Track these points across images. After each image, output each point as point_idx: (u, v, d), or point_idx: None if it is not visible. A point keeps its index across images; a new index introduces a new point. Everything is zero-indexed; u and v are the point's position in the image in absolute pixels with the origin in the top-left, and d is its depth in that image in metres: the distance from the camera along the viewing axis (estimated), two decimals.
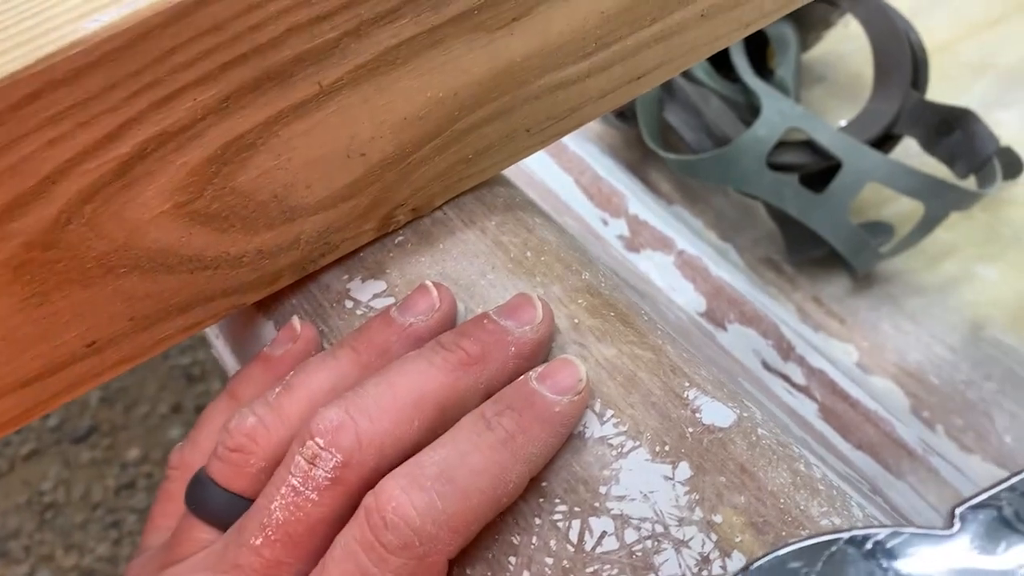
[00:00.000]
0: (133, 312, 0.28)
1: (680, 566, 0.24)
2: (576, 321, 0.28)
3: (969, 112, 0.58)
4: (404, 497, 0.23)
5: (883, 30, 0.61)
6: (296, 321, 0.30)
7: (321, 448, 0.24)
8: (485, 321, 0.27)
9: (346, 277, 0.31)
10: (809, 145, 0.57)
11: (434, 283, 0.29)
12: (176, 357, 1.39)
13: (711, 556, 0.24)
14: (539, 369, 0.26)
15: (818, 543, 0.18)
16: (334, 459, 0.24)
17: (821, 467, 0.26)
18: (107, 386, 1.39)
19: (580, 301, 0.29)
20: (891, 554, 0.18)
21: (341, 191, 0.29)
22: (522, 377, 0.26)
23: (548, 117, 0.31)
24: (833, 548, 0.18)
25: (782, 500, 0.24)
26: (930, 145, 0.60)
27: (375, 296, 0.30)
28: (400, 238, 0.31)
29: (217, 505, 0.26)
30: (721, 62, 0.63)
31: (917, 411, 0.53)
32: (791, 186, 0.56)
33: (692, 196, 0.65)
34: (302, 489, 0.24)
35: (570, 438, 0.26)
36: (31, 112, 0.23)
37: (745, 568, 0.19)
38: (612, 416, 0.26)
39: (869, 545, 0.18)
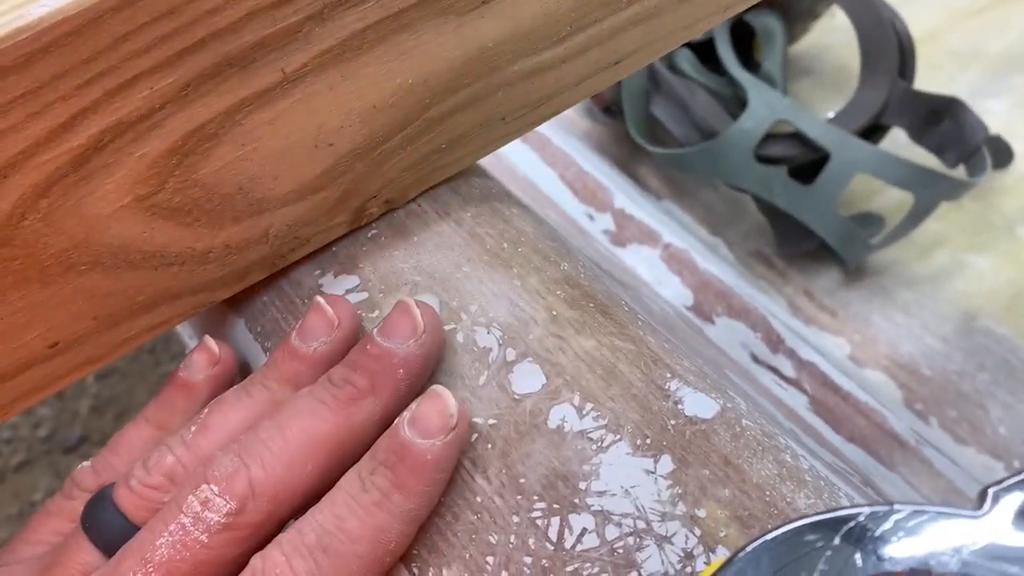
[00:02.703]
0: (96, 311, 0.27)
1: (663, 563, 0.23)
2: (554, 313, 0.28)
3: (957, 101, 0.57)
4: (286, 566, 0.23)
5: (869, 20, 0.60)
6: (212, 343, 0.30)
7: (215, 494, 0.24)
8: (369, 346, 0.26)
9: (318, 272, 0.30)
10: (797, 137, 0.56)
11: (329, 298, 0.28)
12: (167, 364, 1.38)
13: (695, 552, 0.23)
14: (410, 411, 0.25)
15: (837, 517, 0.18)
16: (227, 506, 0.24)
17: (808, 458, 0.25)
18: (97, 395, 1.38)
19: (558, 292, 0.28)
20: (913, 531, 0.17)
21: (310, 183, 0.28)
22: (395, 423, 0.25)
23: (523, 104, 0.30)
24: (852, 523, 0.17)
25: (767, 492, 0.24)
26: (919, 135, 0.59)
27: (348, 291, 0.29)
28: (373, 231, 0.30)
29: (115, 533, 0.25)
30: (707, 55, 0.62)
31: (910, 403, 0.52)
32: (780, 178, 0.55)
33: (681, 191, 0.65)
34: (192, 529, 0.24)
35: (549, 433, 0.25)
36: None
37: (759, 538, 0.18)
38: (592, 409, 0.25)
39: (889, 523, 0.17)
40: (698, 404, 0.25)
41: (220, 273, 0.29)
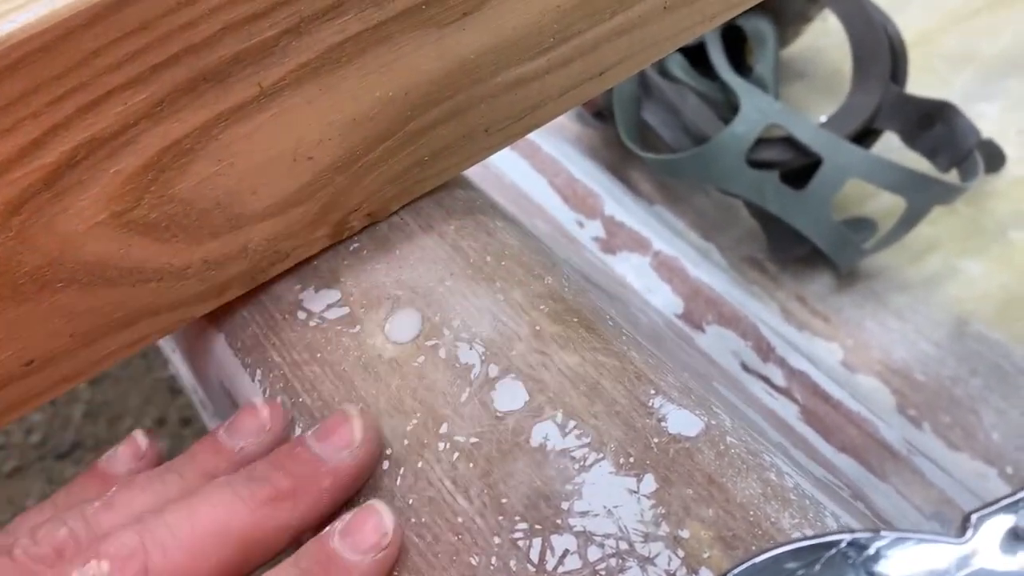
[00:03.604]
0: (73, 328, 0.27)
1: None
2: (538, 328, 0.27)
3: (949, 105, 0.57)
4: None
5: (861, 24, 0.60)
6: (141, 437, 0.29)
7: (106, 572, 0.22)
8: (299, 449, 0.25)
9: (299, 287, 0.30)
10: (789, 141, 0.56)
11: (266, 402, 0.27)
12: (160, 370, 1.37)
13: (678, 573, 0.22)
14: (342, 521, 0.24)
15: (818, 544, 0.17)
16: None
17: (794, 476, 0.25)
18: (90, 400, 1.37)
19: (542, 307, 0.28)
20: (896, 560, 0.17)
21: (289, 197, 0.28)
22: (325, 531, 0.24)
23: (507, 116, 0.30)
24: (833, 550, 0.17)
25: (751, 512, 0.23)
26: (911, 139, 0.59)
27: (329, 306, 0.29)
28: (355, 245, 0.30)
29: None
30: (699, 59, 0.62)
31: (903, 409, 0.52)
32: (772, 183, 0.55)
33: (673, 196, 0.64)
34: None
35: (531, 451, 0.25)
36: None
37: (740, 564, 0.18)
38: (574, 427, 0.25)
39: (872, 550, 0.17)
40: (682, 421, 0.25)
41: (199, 288, 0.28)
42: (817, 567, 0.17)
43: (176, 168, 0.25)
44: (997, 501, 0.17)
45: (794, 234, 0.57)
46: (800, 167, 0.56)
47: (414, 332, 0.28)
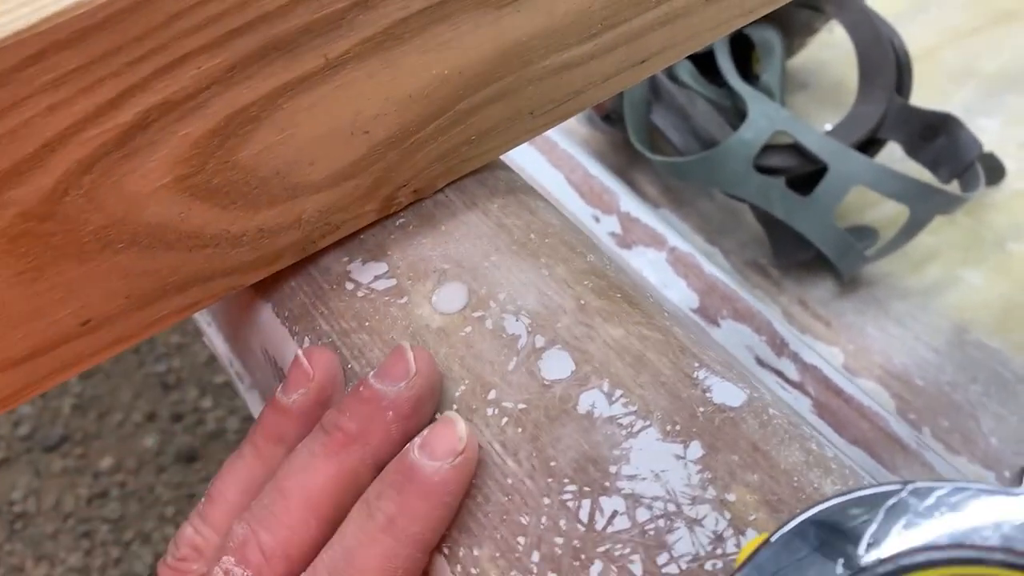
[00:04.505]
0: (129, 290, 0.27)
1: (694, 544, 0.23)
2: (583, 302, 0.28)
3: (952, 117, 0.58)
4: None
5: (867, 35, 0.61)
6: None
7: (233, 565, 0.25)
8: (361, 389, 0.26)
9: (346, 259, 0.30)
10: (795, 148, 0.57)
11: (307, 350, 0.28)
12: (151, 365, 1.37)
13: (725, 534, 0.23)
14: (420, 437, 0.25)
15: (880, 492, 0.18)
16: (245, 574, 0.25)
17: (832, 448, 0.26)
18: (80, 393, 1.36)
19: (586, 282, 0.29)
20: (955, 507, 0.18)
21: (344, 170, 0.29)
22: (405, 448, 0.25)
23: (551, 99, 0.31)
24: (895, 499, 0.18)
25: (795, 478, 0.24)
26: (914, 150, 0.60)
27: (376, 278, 0.30)
28: (401, 220, 0.31)
29: None
30: (707, 66, 0.63)
31: (903, 413, 0.53)
32: (778, 189, 0.56)
33: (678, 200, 0.65)
34: None
35: (578, 418, 0.26)
36: (33, 75, 0.22)
37: (809, 508, 0.18)
38: (621, 396, 0.26)
39: (932, 499, 0.18)
40: (726, 392, 0.26)
41: (252, 256, 0.29)
42: (880, 513, 0.18)
43: (241, 135, 0.26)
44: None
45: (798, 239, 0.58)
46: (806, 174, 0.57)
47: (461, 304, 0.29)
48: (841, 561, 0.18)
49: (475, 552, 0.24)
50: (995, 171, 0.62)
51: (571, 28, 0.29)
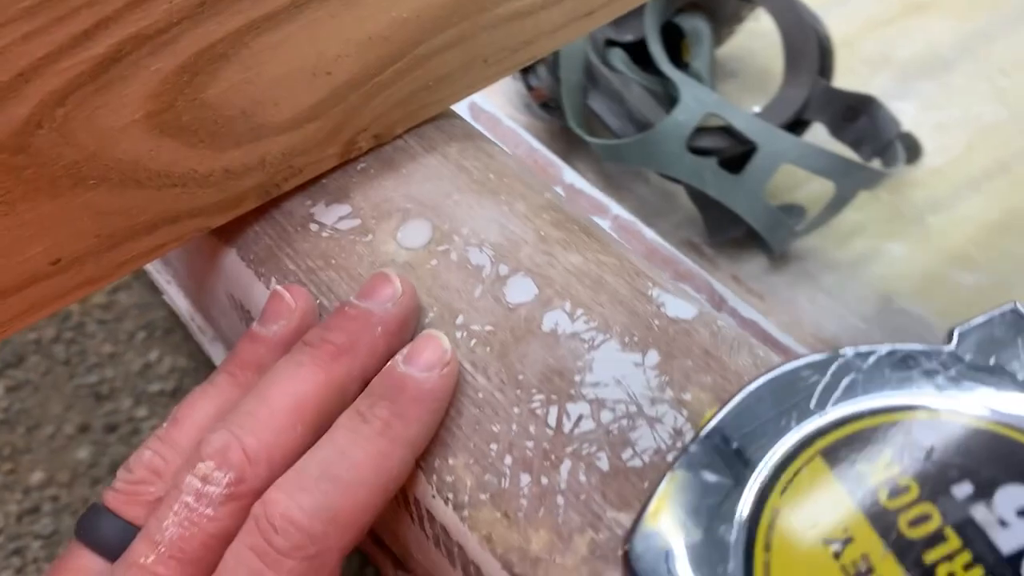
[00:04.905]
0: (100, 229, 0.28)
1: (655, 439, 0.25)
2: (542, 234, 0.30)
3: (873, 98, 0.61)
4: (290, 501, 0.23)
5: (792, 21, 0.64)
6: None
7: (213, 469, 0.24)
8: (347, 308, 0.27)
9: (309, 202, 0.31)
10: (726, 130, 0.59)
11: (286, 285, 0.29)
12: (82, 376, 1.34)
13: (683, 429, 0.25)
14: (405, 351, 0.26)
15: (827, 357, 0.20)
16: (226, 476, 0.24)
17: (779, 358, 0.28)
18: (7, 408, 1.32)
19: (545, 216, 0.30)
20: (894, 364, 0.19)
21: (306, 111, 0.30)
22: (389, 363, 0.26)
23: (504, 47, 0.32)
24: (841, 360, 0.20)
25: (745, 379, 0.26)
26: (837, 130, 0.63)
27: (340, 219, 0.31)
28: (363, 165, 0.32)
29: (109, 532, 0.26)
30: (639, 55, 0.65)
31: None
32: (710, 168, 0.58)
33: (615, 184, 0.67)
34: (195, 506, 0.24)
35: (543, 336, 0.27)
36: (7, 2, 0.23)
37: (764, 373, 0.20)
38: (582, 314, 0.27)
39: (872, 359, 0.20)
40: (679, 307, 0.28)
41: (218, 197, 0.30)
42: (828, 374, 0.20)
43: (209, 72, 0.27)
44: (975, 318, 0.20)
45: (730, 217, 0.60)
46: (737, 154, 0.60)
47: (425, 239, 0.30)
48: (795, 415, 0.19)
49: (450, 461, 0.26)
50: (913, 150, 0.65)
51: None
